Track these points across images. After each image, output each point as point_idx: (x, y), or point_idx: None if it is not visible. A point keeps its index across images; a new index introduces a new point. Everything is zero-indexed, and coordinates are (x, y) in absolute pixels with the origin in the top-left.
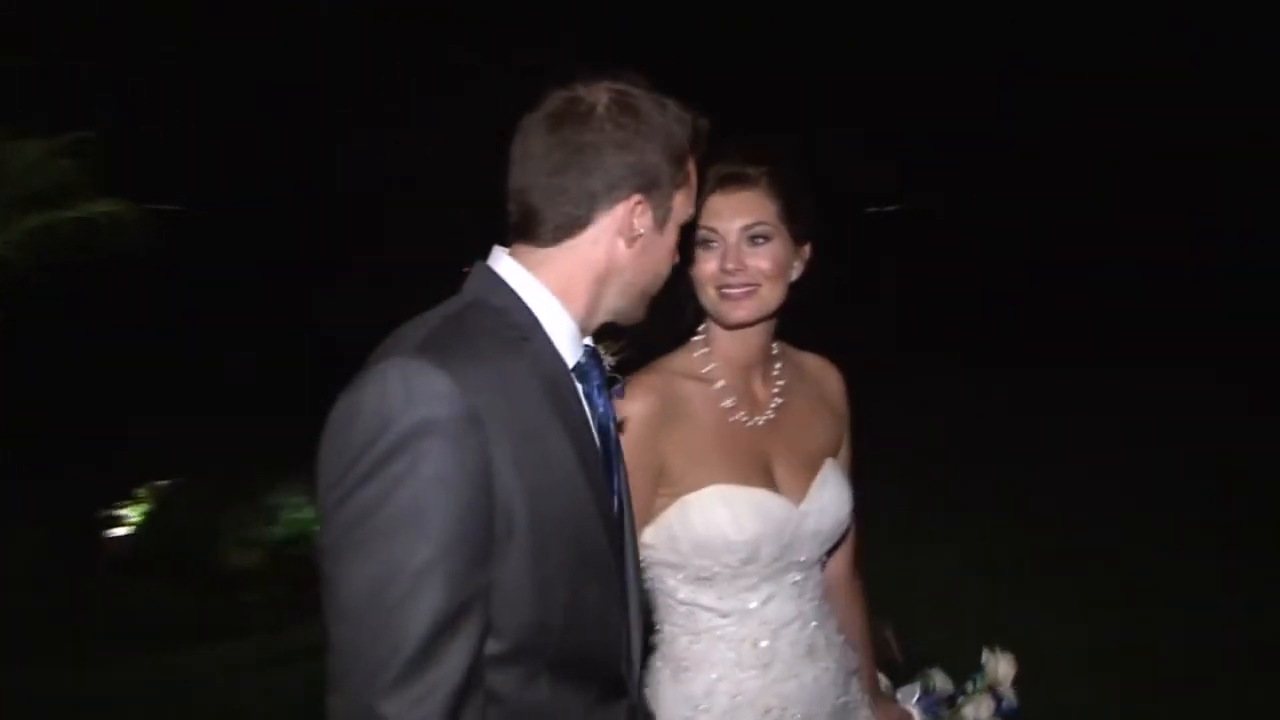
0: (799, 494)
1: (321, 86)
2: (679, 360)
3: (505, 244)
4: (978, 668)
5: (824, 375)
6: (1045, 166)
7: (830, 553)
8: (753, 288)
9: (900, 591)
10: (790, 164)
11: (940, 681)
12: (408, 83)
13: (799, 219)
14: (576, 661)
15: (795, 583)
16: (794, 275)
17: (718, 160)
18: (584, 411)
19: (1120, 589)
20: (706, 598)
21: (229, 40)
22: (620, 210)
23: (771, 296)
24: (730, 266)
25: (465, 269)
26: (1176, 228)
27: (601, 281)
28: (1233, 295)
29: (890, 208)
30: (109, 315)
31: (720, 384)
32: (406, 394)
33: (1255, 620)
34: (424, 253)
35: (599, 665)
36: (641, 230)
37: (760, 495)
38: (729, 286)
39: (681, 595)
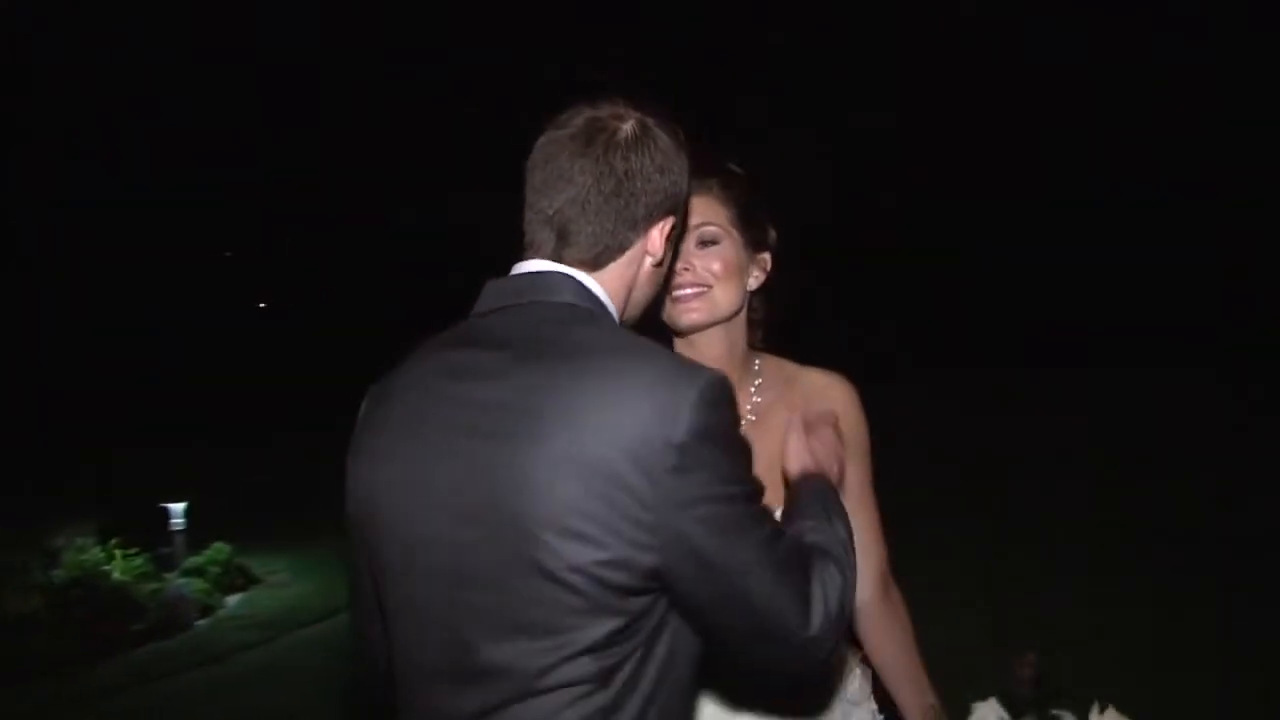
0: None
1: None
2: None
3: (522, 258)
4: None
5: (825, 393)
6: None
7: None
8: (703, 289)
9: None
10: (742, 174)
11: None
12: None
13: (753, 226)
14: None
15: None
16: (752, 283)
17: None
18: None
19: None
20: None
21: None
22: (655, 233)
23: (724, 298)
24: (679, 266)
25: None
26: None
27: (627, 296)
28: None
29: None
30: None
31: None
32: (717, 399)
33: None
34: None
35: None
36: (665, 250)
37: None
38: (679, 288)
39: None
